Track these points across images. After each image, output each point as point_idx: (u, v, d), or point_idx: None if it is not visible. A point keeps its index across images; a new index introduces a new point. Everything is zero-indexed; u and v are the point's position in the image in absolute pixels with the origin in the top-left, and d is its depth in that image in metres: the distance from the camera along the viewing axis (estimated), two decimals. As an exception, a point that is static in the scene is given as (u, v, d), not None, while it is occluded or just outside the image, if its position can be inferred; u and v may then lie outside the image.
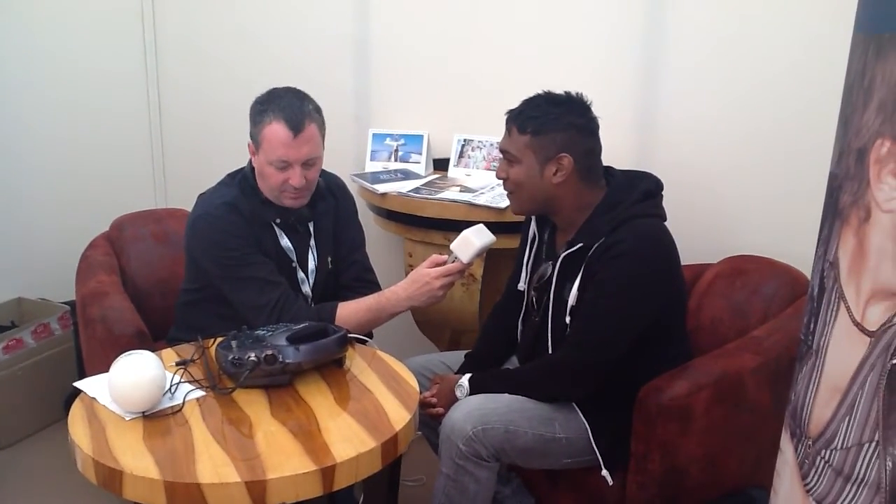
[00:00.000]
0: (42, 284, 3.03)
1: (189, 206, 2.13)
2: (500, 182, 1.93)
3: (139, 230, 2.62)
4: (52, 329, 2.91)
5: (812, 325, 1.24)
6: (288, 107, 1.96)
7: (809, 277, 1.29)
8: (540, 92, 1.86)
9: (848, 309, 1.12)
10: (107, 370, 1.62)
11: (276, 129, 1.95)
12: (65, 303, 2.96)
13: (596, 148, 1.87)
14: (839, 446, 1.14)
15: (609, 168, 1.92)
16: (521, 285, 2.03)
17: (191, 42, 3.19)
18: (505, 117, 1.87)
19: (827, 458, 1.16)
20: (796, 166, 2.31)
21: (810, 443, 1.21)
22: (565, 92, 1.85)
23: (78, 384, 1.73)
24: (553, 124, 1.80)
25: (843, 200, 1.15)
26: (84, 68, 3.09)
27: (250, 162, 2.08)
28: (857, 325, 1.11)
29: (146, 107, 3.27)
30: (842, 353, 1.14)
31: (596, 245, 1.79)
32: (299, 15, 2.97)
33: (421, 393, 1.86)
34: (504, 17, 2.67)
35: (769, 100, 2.33)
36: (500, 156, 1.91)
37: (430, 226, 2.45)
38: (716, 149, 2.44)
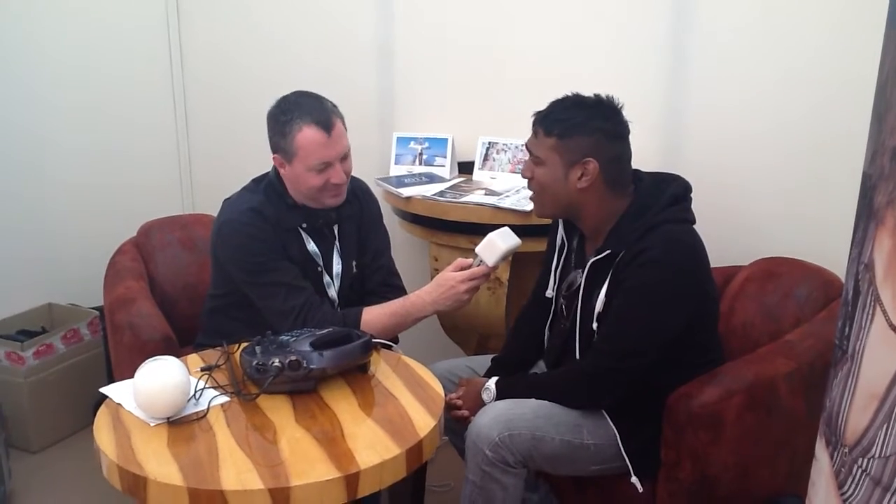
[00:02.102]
0: (72, 290, 3.06)
1: (216, 212, 2.13)
2: (525, 185, 1.91)
3: (166, 236, 2.63)
4: (82, 334, 2.94)
5: (847, 330, 1.20)
6: (313, 109, 1.96)
7: (843, 280, 1.26)
8: (569, 94, 1.84)
9: (884, 312, 1.09)
10: (134, 375, 1.62)
11: (310, 134, 1.94)
12: (94, 308, 2.98)
13: (624, 154, 1.83)
14: (877, 455, 1.10)
15: (637, 171, 1.89)
16: (550, 293, 2.00)
17: (216, 49, 3.21)
18: (532, 119, 1.84)
19: (864, 466, 1.13)
20: (827, 165, 2.26)
21: (846, 451, 1.18)
22: (595, 95, 1.82)
23: (104, 390, 1.73)
24: (579, 128, 1.78)
25: (877, 201, 1.12)
26: (112, 76, 3.12)
27: (275, 168, 2.07)
28: (894, 329, 1.07)
29: (173, 113, 3.30)
30: (878, 359, 1.11)
31: (624, 251, 1.76)
32: (323, 20, 2.98)
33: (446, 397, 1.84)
34: (528, 18, 2.65)
35: (798, 98, 2.29)
36: (525, 158, 1.89)
37: (455, 229, 2.44)
38: (744, 148, 2.40)
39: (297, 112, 1.96)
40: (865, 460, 1.13)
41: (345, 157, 2.02)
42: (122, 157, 3.19)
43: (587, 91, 1.84)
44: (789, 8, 2.26)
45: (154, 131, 3.28)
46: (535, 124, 1.84)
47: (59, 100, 2.99)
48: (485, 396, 1.89)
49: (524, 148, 1.90)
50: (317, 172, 1.97)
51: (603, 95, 1.82)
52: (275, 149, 2.02)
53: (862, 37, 1.90)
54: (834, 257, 1.97)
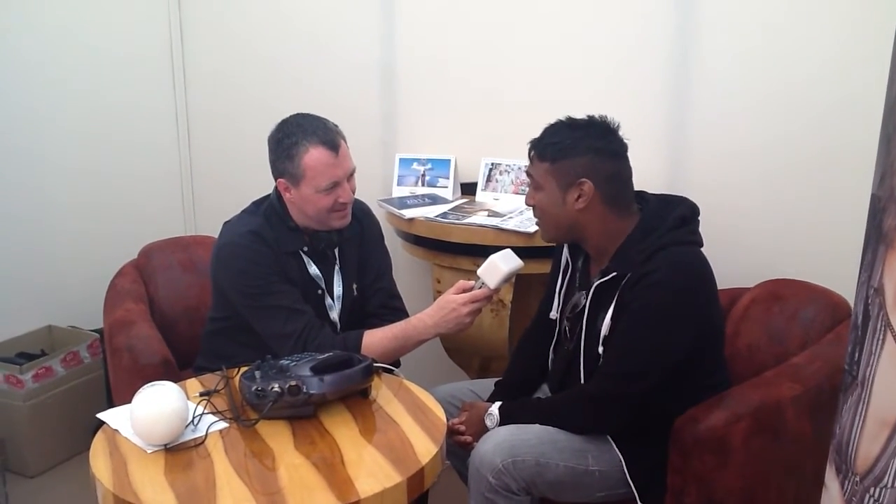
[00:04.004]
0: (72, 312, 3.05)
1: (217, 234, 2.11)
2: (529, 207, 1.90)
3: (167, 258, 2.62)
4: (82, 357, 2.92)
5: (857, 355, 1.18)
6: (317, 129, 1.96)
7: (850, 302, 1.24)
8: (562, 118, 1.83)
9: (895, 338, 1.07)
10: (132, 399, 1.59)
11: (318, 155, 1.94)
12: (94, 330, 2.96)
13: (621, 172, 1.82)
14: (890, 484, 1.07)
15: (643, 193, 1.88)
16: (554, 314, 1.98)
17: (219, 72, 3.22)
18: (528, 145, 1.84)
19: (876, 496, 1.10)
20: (834, 186, 2.25)
21: (858, 479, 1.15)
22: (588, 116, 1.82)
23: (101, 416, 1.71)
24: (571, 150, 1.77)
25: (887, 224, 1.10)
26: (114, 98, 3.12)
27: (276, 190, 2.06)
28: (905, 355, 1.05)
29: (175, 136, 3.30)
30: (890, 385, 1.08)
31: (629, 274, 1.74)
32: (326, 42, 2.98)
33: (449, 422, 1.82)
34: (531, 39, 2.64)
35: (804, 120, 2.28)
36: (528, 181, 1.88)
37: (458, 251, 2.42)
38: (749, 169, 2.38)
39: (302, 134, 1.95)
40: (877, 490, 1.10)
41: (350, 176, 2.02)
42: (124, 179, 3.19)
43: (591, 111, 1.83)
44: (793, 28, 2.25)
45: (156, 153, 3.28)
46: (530, 150, 1.84)
47: (61, 122, 2.99)
48: (488, 422, 1.86)
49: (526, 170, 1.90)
50: (325, 193, 1.97)
51: (596, 116, 1.82)
52: (279, 173, 2.00)
53: (868, 55, 1.89)
54: (841, 279, 1.95)
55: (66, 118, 3.00)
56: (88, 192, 3.10)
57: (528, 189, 1.89)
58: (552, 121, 1.84)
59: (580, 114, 1.83)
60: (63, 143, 3.00)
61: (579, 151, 1.76)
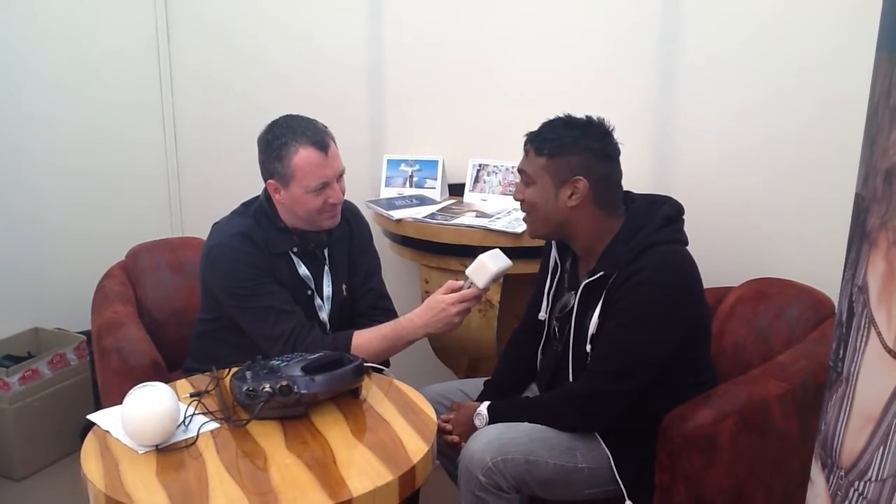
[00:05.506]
0: (58, 314, 3.03)
1: (205, 235, 2.12)
2: (517, 207, 1.91)
3: (155, 259, 2.62)
4: (69, 359, 2.91)
5: (841, 352, 1.20)
6: (307, 130, 1.96)
7: (833, 300, 1.26)
8: (560, 115, 1.85)
9: (879, 334, 1.09)
10: (122, 401, 1.60)
11: (308, 155, 1.94)
12: (81, 332, 2.95)
13: (614, 174, 1.84)
14: (874, 478, 1.09)
15: (629, 193, 1.90)
16: (542, 315, 2.00)
17: (206, 73, 3.21)
18: (524, 139, 1.85)
19: (861, 490, 1.12)
20: (818, 187, 2.27)
21: (843, 474, 1.17)
22: (586, 116, 1.84)
23: (91, 417, 1.71)
24: (569, 147, 1.79)
25: (870, 223, 1.12)
26: (101, 99, 3.11)
27: (265, 191, 2.06)
28: (889, 351, 1.07)
29: (162, 136, 3.29)
30: (874, 381, 1.10)
31: (616, 273, 1.76)
32: (313, 42, 2.98)
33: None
34: (518, 41, 2.66)
35: (789, 120, 2.30)
36: (516, 180, 1.90)
37: (446, 252, 2.43)
38: (735, 170, 2.41)
39: (291, 134, 1.96)
40: (862, 483, 1.12)
41: (340, 177, 2.02)
42: (111, 180, 3.18)
43: (578, 112, 1.85)
44: (780, 29, 2.28)
45: (143, 154, 3.27)
46: (525, 144, 1.85)
47: (46, 122, 2.97)
48: (477, 422, 1.88)
49: (515, 170, 1.91)
50: (315, 193, 1.97)
51: (594, 116, 1.84)
52: (269, 174, 2.01)
53: (855, 55, 1.91)
54: (824, 278, 1.97)
55: (51, 118, 2.98)
56: (74, 192, 3.08)
57: (517, 184, 1.90)
58: (539, 122, 1.86)
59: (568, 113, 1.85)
60: (48, 144, 2.99)
61: (577, 150, 1.78)
